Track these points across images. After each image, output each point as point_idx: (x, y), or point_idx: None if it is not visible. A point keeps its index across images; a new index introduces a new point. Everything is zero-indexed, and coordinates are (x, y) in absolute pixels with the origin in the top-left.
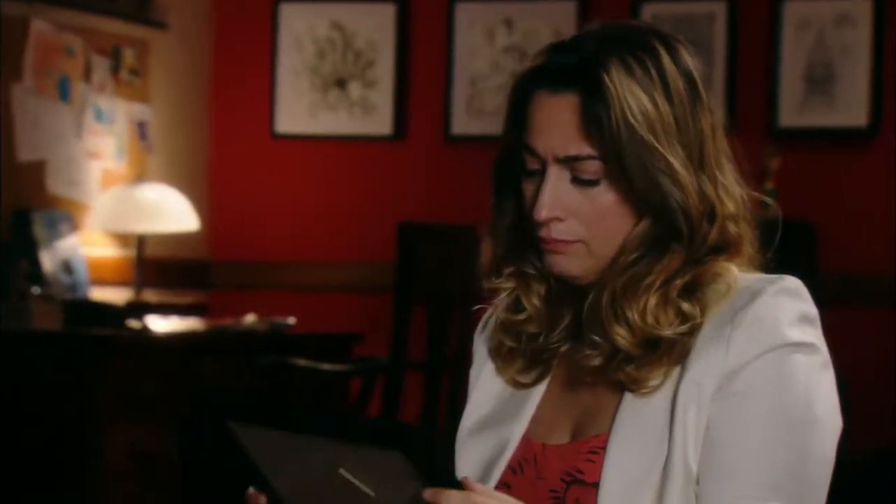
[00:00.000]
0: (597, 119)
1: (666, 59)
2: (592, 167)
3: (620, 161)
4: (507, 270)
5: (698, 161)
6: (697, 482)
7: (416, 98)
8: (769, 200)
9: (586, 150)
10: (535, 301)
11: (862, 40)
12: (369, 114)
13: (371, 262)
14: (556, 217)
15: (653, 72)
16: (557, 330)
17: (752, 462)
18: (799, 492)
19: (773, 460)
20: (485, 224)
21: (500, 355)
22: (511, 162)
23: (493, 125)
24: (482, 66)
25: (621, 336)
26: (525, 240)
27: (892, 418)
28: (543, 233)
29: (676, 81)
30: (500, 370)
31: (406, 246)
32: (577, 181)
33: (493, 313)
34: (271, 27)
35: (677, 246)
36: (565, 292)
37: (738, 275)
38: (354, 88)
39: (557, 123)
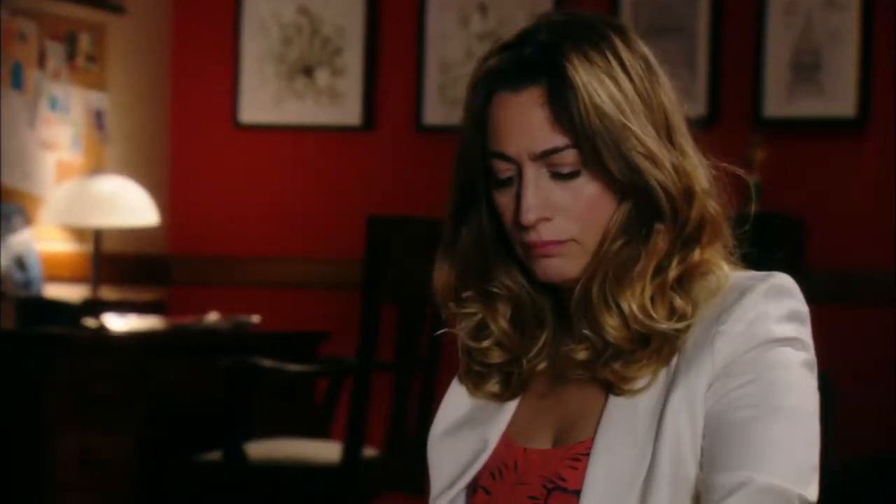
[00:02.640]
0: (566, 108)
1: (618, 42)
2: (570, 158)
3: (595, 147)
4: (468, 293)
5: (667, 135)
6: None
7: (386, 86)
8: (739, 172)
9: (561, 140)
10: (503, 323)
11: (851, 26)
12: (337, 103)
13: (339, 258)
14: (544, 217)
15: (608, 54)
16: (532, 352)
17: (742, 438)
18: (797, 471)
19: (764, 438)
20: (437, 247)
21: (470, 378)
22: (471, 176)
23: None
24: (455, 52)
25: (613, 328)
26: (489, 258)
27: (883, 419)
28: (533, 237)
29: (632, 61)
30: (473, 391)
31: (375, 241)
32: (557, 176)
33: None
34: (235, 11)
35: (660, 225)
36: (536, 310)
37: (727, 271)
38: (322, 76)
39: (527, 121)
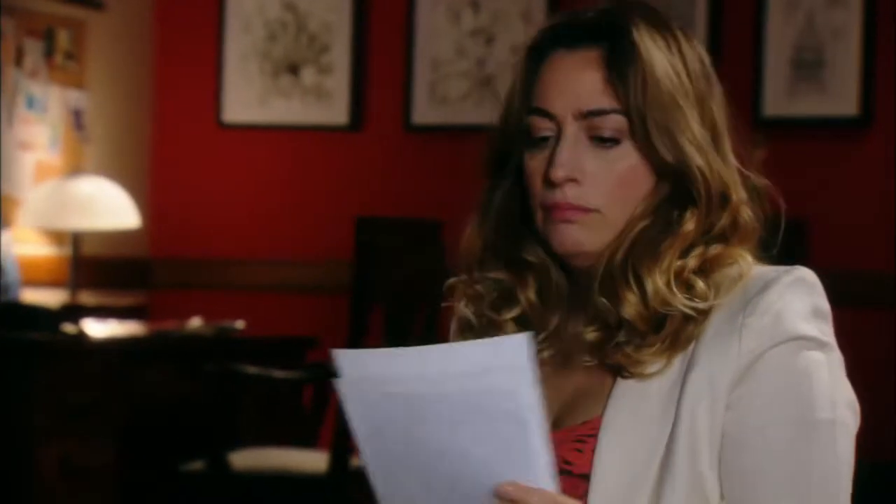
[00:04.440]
0: (623, 72)
1: (683, 42)
2: (615, 123)
3: (643, 118)
4: (495, 260)
5: (712, 139)
6: (721, 488)
7: (374, 85)
8: (775, 195)
9: (611, 103)
10: (531, 295)
11: (854, 22)
12: (324, 101)
13: (326, 261)
14: (573, 179)
15: (673, 47)
16: (544, 333)
17: (775, 464)
18: (825, 493)
19: (797, 460)
20: (472, 208)
21: None
22: (510, 138)
23: (457, 114)
24: (446, 50)
25: (630, 304)
26: (520, 228)
27: (890, 424)
28: (558, 197)
29: (693, 63)
30: None
31: (364, 243)
32: (597, 140)
33: (456, 316)
34: (218, 7)
35: (694, 210)
36: (559, 291)
37: (751, 263)
38: (308, 74)
39: (579, 78)
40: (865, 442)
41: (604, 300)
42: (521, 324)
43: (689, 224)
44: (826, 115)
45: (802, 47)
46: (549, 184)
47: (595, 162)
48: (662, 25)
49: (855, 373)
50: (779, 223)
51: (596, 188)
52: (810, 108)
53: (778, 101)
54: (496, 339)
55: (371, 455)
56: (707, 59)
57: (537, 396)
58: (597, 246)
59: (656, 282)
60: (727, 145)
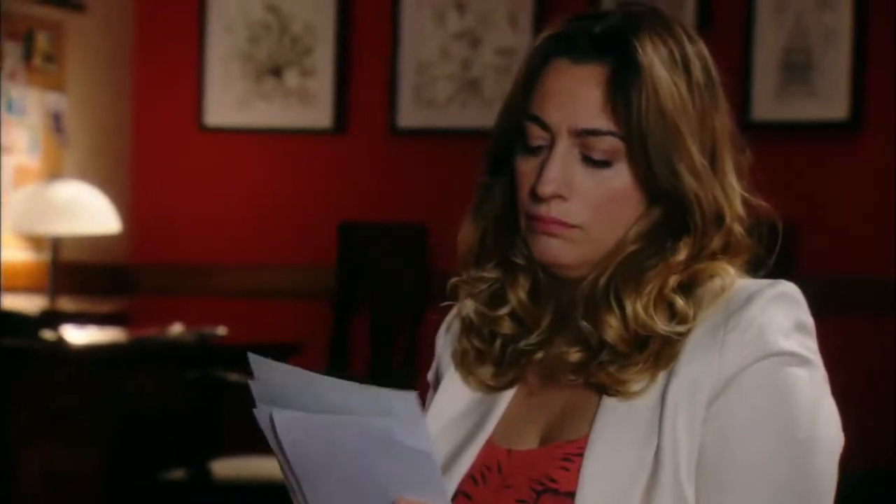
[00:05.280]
0: (626, 93)
1: (689, 48)
2: (608, 145)
3: (644, 142)
4: (490, 258)
5: (710, 159)
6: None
7: (358, 87)
8: (771, 212)
9: (607, 125)
10: (521, 294)
11: (844, 24)
12: (307, 104)
13: (309, 266)
14: (560, 195)
15: (677, 57)
16: (536, 332)
17: (754, 480)
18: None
19: (775, 478)
20: (459, 212)
21: (466, 362)
22: (508, 136)
23: (442, 117)
24: (431, 52)
25: (611, 327)
26: (513, 227)
27: (881, 432)
28: (542, 210)
29: (697, 73)
30: (466, 377)
31: (348, 248)
32: (588, 161)
33: (457, 315)
34: (200, 9)
35: (687, 239)
36: (549, 290)
37: (734, 276)
38: (291, 77)
39: (579, 94)
40: (864, 450)
41: (586, 324)
42: (516, 319)
43: (682, 254)
44: (816, 119)
45: (792, 49)
46: (536, 197)
47: (584, 179)
48: (669, 35)
49: (844, 382)
50: (772, 233)
51: (582, 206)
52: (800, 112)
53: (767, 104)
54: (388, 392)
55: (295, 461)
56: (711, 64)
57: (430, 442)
58: (576, 260)
59: (636, 307)
60: (726, 158)
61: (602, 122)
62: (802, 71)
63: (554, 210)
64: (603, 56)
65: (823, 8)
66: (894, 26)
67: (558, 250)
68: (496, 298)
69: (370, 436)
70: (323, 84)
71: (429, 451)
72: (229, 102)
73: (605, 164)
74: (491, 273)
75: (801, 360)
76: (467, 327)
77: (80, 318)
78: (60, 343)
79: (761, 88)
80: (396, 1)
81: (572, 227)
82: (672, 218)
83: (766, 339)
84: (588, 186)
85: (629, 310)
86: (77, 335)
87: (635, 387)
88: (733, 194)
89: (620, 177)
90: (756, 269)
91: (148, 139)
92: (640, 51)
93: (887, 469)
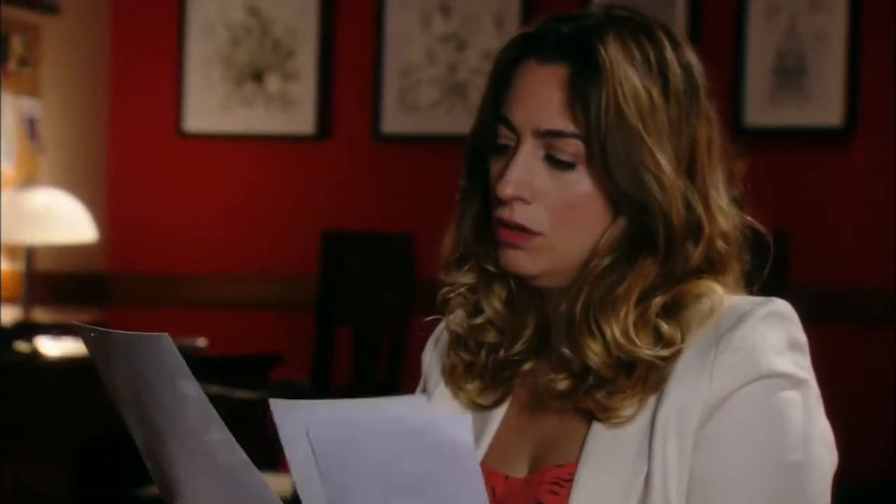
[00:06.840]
0: (584, 95)
1: (669, 53)
2: (572, 147)
3: (603, 145)
4: (467, 267)
5: (687, 170)
6: None
7: (341, 92)
8: (760, 228)
9: (569, 126)
10: (496, 304)
11: (838, 27)
12: (289, 110)
13: (291, 276)
14: (522, 198)
15: (653, 61)
16: (520, 341)
17: (746, 503)
18: None
19: (767, 502)
20: (452, 208)
21: (455, 376)
22: (481, 141)
23: (427, 122)
24: (416, 56)
25: (594, 353)
26: (489, 232)
27: (875, 444)
28: (505, 213)
29: (676, 79)
30: (456, 393)
31: (330, 257)
32: (552, 161)
33: (444, 329)
34: (178, 11)
35: (651, 253)
36: (528, 297)
37: (722, 295)
38: (272, 81)
39: (542, 94)
40: (857, 462)
41: (566, 351)
42: (498, 328)
43: (646, 267)
44: (809, 125)
45: (784, 53)
46: (498, 199)
47: (547, 181)
48: (648, 38)
49: (837, 395)
50: (764, 242)
51: (544, 210)
52: (793, 117)
53: (759, 109)
54: (440, 415)
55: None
56: (698, 70)
57: (477, 462)
58: (541, 269)
59: (614, 332)
60: (709, 169)
61: (564, 123)
62: (795, 75)
63: (517, 214)
64: (567, 56)
65: (816, 10)
66: (889, 29)
67: (522, 261)
68: (476, 307)
69: (410, 451)
70: (305, 89)
71: (475, 465)
72: (209, 107)
73: (568, 166)
74: (466, 279)
75: (794, 382)
76: (455, 340)
77: (56, 330)
78: (35, 355)
79: (753, 93)
80: (380, 4)
81: (534, 234)
82: (639, 228)
83: (757, 361)
84: (549, 189)
85: (609, 335)
86: (52, 347)
87: (624, 413)
88: (716, 208)
89: (582, 181)
90: (750, 282)
91: (125, 145)
92: (602, 52)
93: (881, 481)
